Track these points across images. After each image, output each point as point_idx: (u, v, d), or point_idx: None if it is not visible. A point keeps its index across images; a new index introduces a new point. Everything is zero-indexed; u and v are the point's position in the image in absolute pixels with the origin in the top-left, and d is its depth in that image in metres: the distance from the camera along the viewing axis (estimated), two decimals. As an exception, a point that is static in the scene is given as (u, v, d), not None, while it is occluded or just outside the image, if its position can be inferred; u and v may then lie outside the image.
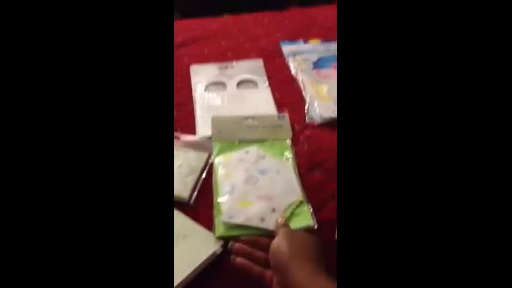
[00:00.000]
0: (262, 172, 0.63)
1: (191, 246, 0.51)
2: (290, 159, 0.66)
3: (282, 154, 0.68)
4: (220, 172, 0.64)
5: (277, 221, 0.53)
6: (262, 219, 0.55)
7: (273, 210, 0.57)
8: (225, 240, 0.53)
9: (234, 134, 0.72)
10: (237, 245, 0.51)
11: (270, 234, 0.51)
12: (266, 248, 0.48)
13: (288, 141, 0.71)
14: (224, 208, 0.58)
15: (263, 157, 0.66)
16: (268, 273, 0.47)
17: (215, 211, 0.58)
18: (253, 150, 0.68)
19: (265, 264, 0.48)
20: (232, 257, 0.51)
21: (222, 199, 0.59)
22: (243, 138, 0.71)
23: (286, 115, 0.76)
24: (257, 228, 0.55)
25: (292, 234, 0.48)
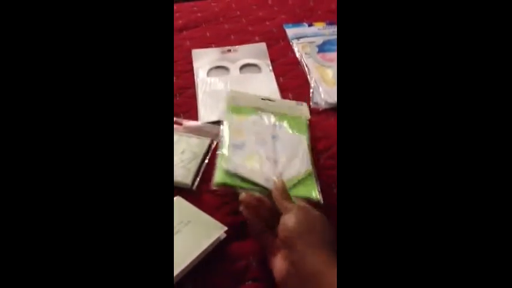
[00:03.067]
0: (275, 138, 0.61)
1: (195, 233, 0.50)
2: (306, 135, 0.64)
3: (296, 130, 0.64)
4: (230, 128, 0.61)
5: (274, 181, 0.51)
6: (267, 180, 0.53)
7: (280, 175, 0.54)
8: (223, 186, 0.52)
9: (248, 102, 0.69)
10: (247, 197, 0.50)
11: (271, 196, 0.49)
12: (269, 209, 0.48)
13: (306, 121, 0.67)
14: (229, 158, 0.55)
15: (279, 126, 0.64)
16: (268, 235, 0.48)
17: (218, 159, 0.56)
18: (269, 116, 0.65)
19: (267, 223, 0.48)
20: (241, 207, 0.50)
21: (230, 150, 0.57)
22: (259, 105, 0.68)
23: (304, 103, 0.72)
24: (259, 186, 0.52)
25: (305, 212, 0.45)
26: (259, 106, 0.69)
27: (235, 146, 0.58)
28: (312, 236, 0.42)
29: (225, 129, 0.62)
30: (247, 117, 0.65)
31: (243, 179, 0.53)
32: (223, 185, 0.52)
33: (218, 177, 0.53)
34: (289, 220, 0.44)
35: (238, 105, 0.68)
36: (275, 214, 0.47)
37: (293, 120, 0.67)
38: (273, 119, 0.65)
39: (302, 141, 0.62)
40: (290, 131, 0.64)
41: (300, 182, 0.54)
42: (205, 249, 0.49)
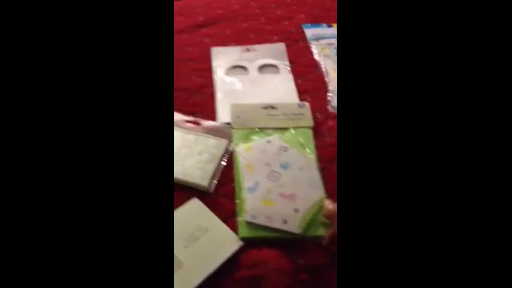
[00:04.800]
0: (285, 166, 0.63)
1: (213, 243, 0.51)
2: (313, 154, 0.65)
3: (304, 146, 0.67)
4: (242, 163, 0.64)
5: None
6: (285, 221, 0.55)
7: (296, 210, 0.56)
8: (248, 239, 0.54)
9: (254, 121, 0.71)
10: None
11: (293, 237, 0.51)
12: None
13: (310, 131, 0.70)
14: (247, 207, 0.57)
15: (285, 149, 0.66)
16: None
17: (238, 209, 0.58)
18: (275, 140, 0.67)
19: None
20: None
21: (245, 196, 0.59)
22: (263, 126, 0.71)
23: (306, 104, 0.74)
24: (279, 231, 0.54)
25: None
26: (263, 122, 0.71)
27: (249, 190, 0.60)
28: None
29: (235, 163, 0.64)
30: (253, 145, 0.67)
31: (265, 228, 0.55)
32: (249, 239, 0.54)
33: (242, 232, 0.55)
34: None
35: (243, 126, 0.70)
36: None
37: (298, 134, 0.69)
38: (279, 142, 0.67)
39: (311, 164, 0.64)
40: (296, 153, 0.65)
41: (315, 219, 0.56)
42: (222, 263, 0.49)
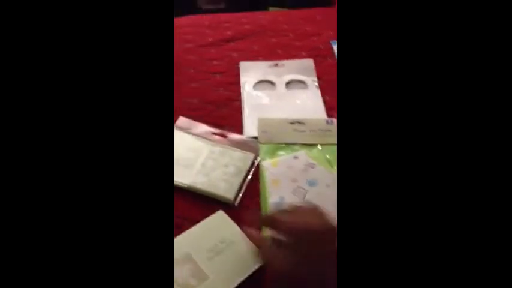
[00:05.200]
0: (311, 183, 0.62)
1: (238, 255, 0.50)
2: None
3: (331, 163, 0.66)
4: (267, 178, 0.63)
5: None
6: None
7: None
8: None
9: (280, 136, 0.71)
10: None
11: None
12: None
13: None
14: None
15: (312, 166, 0.65)
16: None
17: (262, 226, 0.57)
18: (302, 156, 0.67)
19: None
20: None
21: (271, 211, 0.58)
22: (290, 141, 0.70)
23: (334, 120, 0.74)
24: None
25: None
26: (290, 137, 0.70)
27: (275, 204, 0.59)
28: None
29: (261, 178, 0.64)
30: (280, 160, 0.66)
31: None
32: None
33: None
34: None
35: (270, 141, 0.70)
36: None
37: (325, 150, 0.68)
38: (305, 158, 0.66)
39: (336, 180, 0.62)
40: (323, 169, 0.64)
41: None
42: (248, 277, 0.48)
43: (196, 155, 0.67)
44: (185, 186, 0.61)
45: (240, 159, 0.66)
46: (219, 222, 0.54)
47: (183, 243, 0.50)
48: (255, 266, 0.49)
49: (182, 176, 0.62)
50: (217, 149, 0.68)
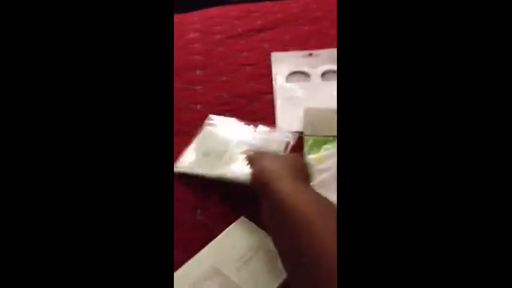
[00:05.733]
0: None
1: (267, 261, 0.46)
2: None
3: None
4: (313, 176, 0.57)
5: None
6: None
7: None
8: None
9: (328, 128, 0.65)
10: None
11: None
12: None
13: None
14: None
15: None
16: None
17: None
18: None
19: None
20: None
21: None
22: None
23: None
24: None
25: (273, 156, 0.50)
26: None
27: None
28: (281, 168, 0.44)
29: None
30: (325, 156, 0.60)
31: None
32: None
33: None
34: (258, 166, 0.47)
35: (317, 133, 0.64)
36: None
37: None
38: None
39: None
40: None
41: None
42: (280, 285, 0.44)
43: (224, 147, 0.63)
44: (216, 176, 0.57)
45: (274, 141, 0.62)
46: (243, 229, 0.50)
47: (208, 256, 0.47)
48: (281, 280, 0.44)
49: (213, 167, 0.58)
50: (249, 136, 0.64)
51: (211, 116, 0.69)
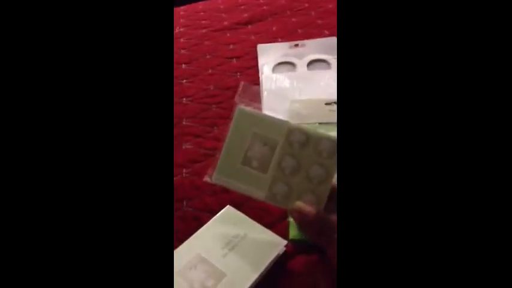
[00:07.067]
0: None
1: (253, 248, 0.46)
2: None
3: None
4: None
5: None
6: None
7: None
8: (293, 241, 0.48)
9: (314, 116, 0.64)
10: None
11: None
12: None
13: None
14: None
15: None
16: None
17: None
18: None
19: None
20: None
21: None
22: (326, 120, 0.63)
23: None
24: None
25: None
26: (325, 117, 0.64)
27: None
28: None
29: None
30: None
31: None
32: (300, 241, 0.49)
33: (292, 233, 0.50)
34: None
35: (302, 121, 0.63)
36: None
37: None
38: None
39: None
40: None
41: None
42: (266, 268, 0.44)
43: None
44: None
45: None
46: (229, 217, 0.50)
47: (193, 245, 0.47)
48: (274, 255, 0.45)
49: None
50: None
51: None
